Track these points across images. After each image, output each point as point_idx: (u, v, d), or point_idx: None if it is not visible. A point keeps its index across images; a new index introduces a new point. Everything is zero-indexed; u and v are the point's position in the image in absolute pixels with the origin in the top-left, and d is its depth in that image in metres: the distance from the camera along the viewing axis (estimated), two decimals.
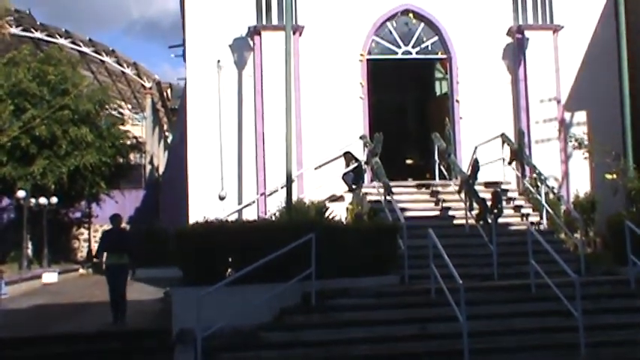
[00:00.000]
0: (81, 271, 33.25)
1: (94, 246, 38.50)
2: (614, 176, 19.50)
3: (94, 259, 16.35)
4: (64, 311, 18.83)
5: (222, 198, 20.47)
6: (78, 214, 37.44)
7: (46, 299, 21.93)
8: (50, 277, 28.62)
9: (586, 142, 20.55)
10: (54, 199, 31.38)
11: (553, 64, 22.03)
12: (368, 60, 21.98)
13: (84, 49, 38.41)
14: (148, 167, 41.92)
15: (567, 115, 22.27)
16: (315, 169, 20.84)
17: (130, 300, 16.27)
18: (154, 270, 25.40)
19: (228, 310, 12.34)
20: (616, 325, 13.11)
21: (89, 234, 38.56)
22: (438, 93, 25.95)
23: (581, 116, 22.34)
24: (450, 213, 18.65)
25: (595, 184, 21.35)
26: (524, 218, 18.76)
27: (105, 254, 16.08)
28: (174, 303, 13.61)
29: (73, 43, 38.16)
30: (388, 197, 17.53)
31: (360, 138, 21.00)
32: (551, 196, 19.31)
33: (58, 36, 37.85)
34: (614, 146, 20.04)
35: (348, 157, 20.79)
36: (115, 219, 16.53)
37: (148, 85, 40.40)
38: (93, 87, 35.76)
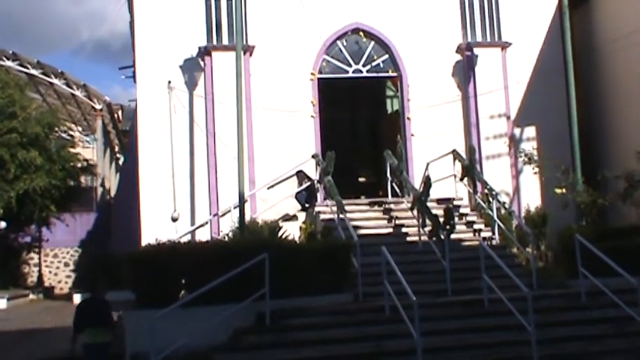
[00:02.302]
0: (31, 296, 32.70)
1: (45, 271, 37.90)
2: (564, 190, 19.78)
3: (74, 338, 12.84)
4: (13, 338, 18.45)
5: (174, 219, 20.31)
6: (28, 239, 36.79)
7: None
8: None
9: (536, 157, 20.82)
10: (2, 224, 30.88)
11: (502, 80, 22.30)
12: (319, 79, 22.04)
13: (32, 71, 37.87)
14: (100, 190, 41.37)
15: (517, 131, 22.55)
16: (268, 188, 20.80)
17: None
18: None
19: (182, 333, 12.20)
20: (568, 337, 13.22)
21: (39, 258, 37.86)
22: (389, 111, 26.10)
23: (530, 132, 22.63)
24: (403, 230, 18.73)
25: (545, 199, 21.61)
26: (477, 234, 18.90)
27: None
28: (127, 326, 13.42)
29: (21, 65, 37.61)
30: (341, 215, 17.52)
31: (313, 157, 21.01)
32: (502, 211, 19.49)
33: (5, 58, 37.27)
34: (563, 161, 20.34)
35: (301, 176, 20.80)
36: (98, 287, 13.51)
37: (98, 106, 39.90)
38: (42, 109, 35.26)
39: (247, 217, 18.56)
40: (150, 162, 20.88)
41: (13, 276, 34.72)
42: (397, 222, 19.08)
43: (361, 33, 22.43)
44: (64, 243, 38.20)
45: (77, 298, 28.68)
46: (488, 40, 22.86)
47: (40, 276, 37.37)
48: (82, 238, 38.42)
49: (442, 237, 16.55)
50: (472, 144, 21.57)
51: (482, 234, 18.88)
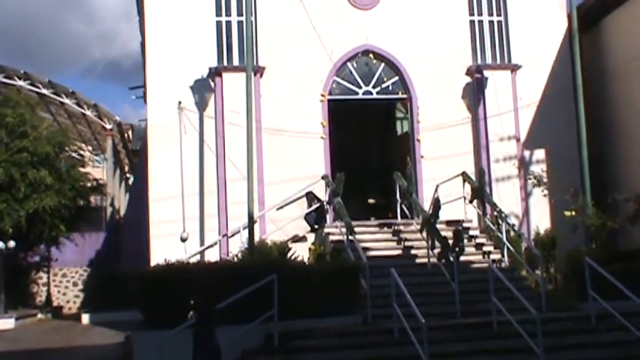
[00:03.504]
0: (40, 316, 32.66)
1: (54, 290, 37.89)
2: (573, 213, 19.72)
3: None
4: (21, 358, 18.41)
5: (183, 239, 20.30)
6: (37, 258, 36.81)
7: (1, 347, 21.36)
8: (6, 323, 27.99)
9: (545, 180, 20.78)
10: (11, 243, 30.89)
11: (512, 102, 22.32)
12: (329, 100, 22.09)
13: (43, 90, 38.04)
14: (109, 209, 41.42)
15: (527, 153, 22.52)
16: (278, 209, 20.79)
17: (91, 345, 16.01)
18: (115, 313, 25.10)
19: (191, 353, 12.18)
20: None
21: (48, 278, 37.84)
22: (399, 132, 26.14)
23: (540, 154, 22.60)
24: (412, 252, 18.70)
25: (555, 221, 21.54)
26: (486, 256, 18.86)
27: None
28: (136, 347, 13.45)
29: (32, 84, 37.79)
30: (350, 237, 17.52)
31: (322, 178, 21.01)
32: (511, 233, 19.47)
33: (16, 78, 37.46)
34: (573, 183, 20.30)
35: (310, 197, 20.80)
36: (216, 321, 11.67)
37: (108, 126, 40.03)
38: (52, 129, 35.38)
39: (256, 238, 18.57)
40: (159, 182, 20.92)
41: (21, 295, 34.75)
42: (406, 244, 19.07)
43: (371, 55, 22.50)
44: (73, 262, 38.22)
45: (86, 318, 28.69)
46: (498, 62, 22.93)
47: (49, 295, 37.35)
48: (91, 257, 38.42)
49: (451, 259, 16.54)
50: (482, 166, 21.55)
51: (492, 256, 18.85)
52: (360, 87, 22.46)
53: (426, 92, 22.36)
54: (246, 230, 18.17)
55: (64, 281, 39.23)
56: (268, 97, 21.34)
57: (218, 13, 22.04)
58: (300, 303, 13.71)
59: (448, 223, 19.51)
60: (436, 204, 18.85)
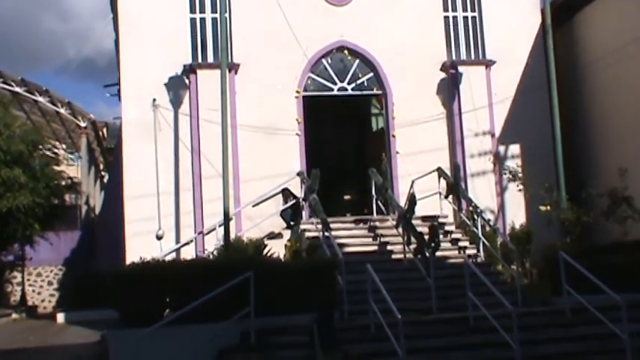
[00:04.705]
0: (14, 315, 32.38)
1: (28, 289, 37.59)
2: (548, 208, 19.81)
3: None
4: None
5: (159, 237, 20.21)
6: (11, 257, 36.46)
7: None
8: None
9: (520, 175, 20.86)
10: None
11: (486, 98, 22.40)
12: (304, 96, 22.07)
13: (16, 88, 37.70)
14: (84, 208, 41.13)
15: (501, 149, 22.63)
16: (253, 206, 20.75)
17: (66, 344, 15.89)
18: (90, 312, 24.94)
19: (167, 352, 12.15)
20: (553, 354, 13.25)
21: (23, 277, 37.54)
22: (374, 128, 26.16)
23: (515, 149, 22.71)
24: (388, 248, 18.74)
25: (530, 216, 21.67)
26: (462, 251, 18.93)
27: None
28: (111, 346, 13.35)
29: (5, 82, 37.44)
30: (326, 233, 17.51)
31: (298, 174, 21.00)
32: (487, 228, 19.54)
33: None
34: (548, 178, 20.40)
35: (286, 193, 20.76)
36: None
37: (83, 124, 39.73)
38: (26, 127, 35.02)
39: (232, 235, 18.52)
40: (134, 180, 20.80)
41: None
42: (382, 240, 19.10)
43: (346, 51, 22.50)
44: (47, 261, 37.89)
45: (61, 317, 28.47)
46: (473, 58, 23.02)
47: (23, 295, 36.99)
48: (66, 256, 38.11)
49: (427, 254, 16.57)
50: (457, 161, 21.66)
51: (467, 251, 18.93)
52: (335, 83, 22.45)
53: (401, 88, 22.38)
54: (222, 227, 18.11)
55: (39, 280, 38.90)
56: (243, 93, 21.28)
57: (192, 10, 21.96)
58: (276, 300, 13.68)
59: (424, 218, 19.55)
60: (412, 200, 18.89)
